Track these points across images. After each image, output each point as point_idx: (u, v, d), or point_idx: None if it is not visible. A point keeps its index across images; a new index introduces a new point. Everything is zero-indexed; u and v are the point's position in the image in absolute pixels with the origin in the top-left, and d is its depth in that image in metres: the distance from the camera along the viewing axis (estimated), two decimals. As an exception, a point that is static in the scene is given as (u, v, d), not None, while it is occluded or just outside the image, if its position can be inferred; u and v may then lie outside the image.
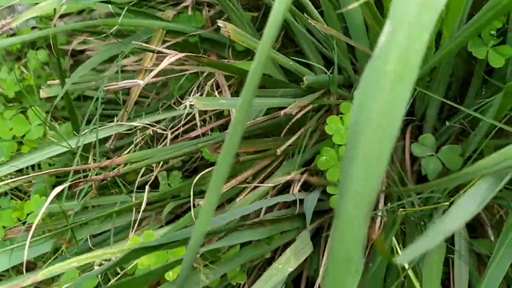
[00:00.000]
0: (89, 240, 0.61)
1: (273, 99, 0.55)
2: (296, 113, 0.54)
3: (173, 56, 0.44)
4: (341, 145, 0.62)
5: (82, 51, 1.05)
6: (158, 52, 0.57)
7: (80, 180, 0.56)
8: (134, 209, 0.66)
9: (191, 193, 0.57)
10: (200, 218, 0.34)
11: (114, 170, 0.52)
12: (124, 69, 0.84)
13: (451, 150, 0.67)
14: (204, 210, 0.34)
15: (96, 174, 0.63)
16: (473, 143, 0.65)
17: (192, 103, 0.47)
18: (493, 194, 0.31)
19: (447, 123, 0.71)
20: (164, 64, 0.44)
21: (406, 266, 0.54)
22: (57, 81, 0.74)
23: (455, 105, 0.56)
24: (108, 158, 0.83)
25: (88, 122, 0.81)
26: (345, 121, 0.57)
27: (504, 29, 0.64)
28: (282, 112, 0.52)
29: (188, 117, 0.72)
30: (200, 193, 0.77)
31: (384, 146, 0.22)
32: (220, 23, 0.45)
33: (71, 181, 0.56)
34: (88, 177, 0.56)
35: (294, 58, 0.62)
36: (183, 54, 0.45)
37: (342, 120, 0.57)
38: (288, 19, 0.60)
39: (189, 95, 0.75)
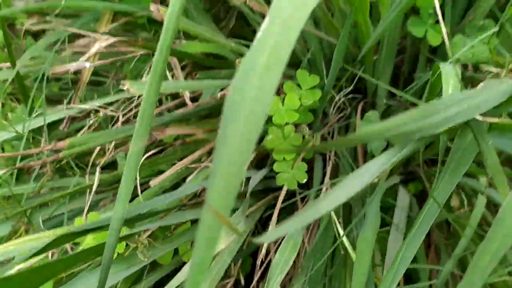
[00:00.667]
0: (41, 222, 0.62)
1: (214, 81, 0.56)
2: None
3: (104, 41, 0.45)
4: (287, 123, 0.63)
5: (44, 31, 1.04)
6: (101, 35, 0.58)
7: (22, 165, 0.57)
8: (87, 191, 0.68)
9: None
10: (117, 202, 0.36)
11: (54, 155, 0.53)
12: (80, 50, 0.84)
13: (396, 126, 0.69)
14: (120, 195, 0.36)
15: (48, 157, 0.64)
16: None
17: (125, 88, 0.48)
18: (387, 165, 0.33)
19: (392, 102, 0.73)
20: (94, 49, 0.45)
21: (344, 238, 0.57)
22: (8, 64, 0.74)
23: (390, 88, 0.57)
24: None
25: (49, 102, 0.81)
26: (286, 102, 0.58)
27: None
28: (219, 94, 0.53)
29: (140, 98, 0.73)
30: (158, 173, 0.78)
31: (252, 130, 0.23)
32: (152, 7, 0.46)
33: (16, 167, 0.57)
34: (36, 161, 0.57)
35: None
36: (115, 39, 0.46)
37: (282, 101, 0.58)
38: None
39: (142, 76, 0.75)
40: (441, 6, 0.64)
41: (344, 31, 0.52)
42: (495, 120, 0.39)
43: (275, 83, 0.24)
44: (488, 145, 0.40)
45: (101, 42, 0.46)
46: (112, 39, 0.46)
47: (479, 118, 0.37)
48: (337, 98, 0.71)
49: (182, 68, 0.79)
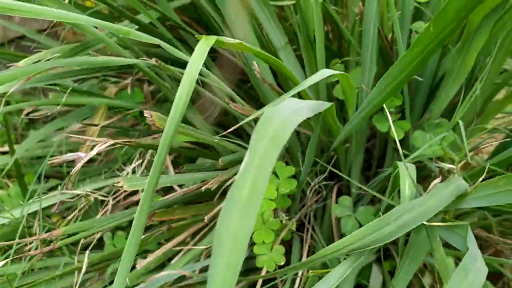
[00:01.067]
0: (30, 304, 0.65)
1: (199, 174, 0.62)
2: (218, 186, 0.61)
3: (103, 144, 0.51)
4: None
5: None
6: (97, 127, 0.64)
7: (18, 256, 0.61)
8: (76, 272, 0.71)
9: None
10: None
11: (50, 245, 0.57)
12: (72, 134, 0.90)
13: (366, 210, 0.76)
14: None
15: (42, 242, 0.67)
16: (383, 205, 0.73)
17: (119, 185, 0.53)
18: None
19: (363, 188, 0.80)
20: (94, 152, 0.51)
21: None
22: (6, 148, 0.79)
23: (352, 181, 0.64)
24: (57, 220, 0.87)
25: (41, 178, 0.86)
26: (266, 191, 0.64)
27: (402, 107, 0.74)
28: (203, 187, 0.59)
29: (130, 183, 0.78)
30: (143, 252, 0.82)
31: (237, 253, 0.29)
32: (146, 113, 0.52)
33: (13, 258, 0.61)
34: (27, 250, 0.61)
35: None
36: (113, 141, 0.52)
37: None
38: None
39: (132, 162, 0.81)
40: (402, 105, 0.73)
41: (314, 138, 0.60)
42: (439, 224, 0.45)
43: (255, 213, 0.30)
44: (437, 242, 0.46)
45: (100, 146, 0.51)
46: (110, 141, 0.52)
47: (426, 223, 0.44)
48: (312, 183, 0.78)
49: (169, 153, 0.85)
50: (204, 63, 0.77)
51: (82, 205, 0.77)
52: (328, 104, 0.49)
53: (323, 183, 0.79)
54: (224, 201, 0.31)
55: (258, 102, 0.87)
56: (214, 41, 0.39)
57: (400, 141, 0.78)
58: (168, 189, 0.81)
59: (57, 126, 0.75)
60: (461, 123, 0.54)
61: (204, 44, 0.38)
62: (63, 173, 0.92)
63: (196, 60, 0.37)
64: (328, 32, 0.91)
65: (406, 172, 0.53)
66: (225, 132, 0.56)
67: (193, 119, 0.80)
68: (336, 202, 0.79)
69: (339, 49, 0.89)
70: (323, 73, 0.47)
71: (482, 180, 0.52)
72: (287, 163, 0.83)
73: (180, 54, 0.53)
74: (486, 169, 0.56)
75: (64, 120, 0.74)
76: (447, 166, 0.62)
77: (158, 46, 0.54)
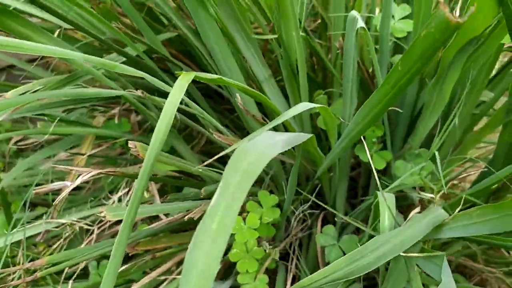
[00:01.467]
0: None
1: (184, 203, 0.63)
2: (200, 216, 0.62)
3: (87, 174, 0.52)
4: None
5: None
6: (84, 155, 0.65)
7: (0, 286, 0.61)
8: (59, 302, 0.71)
9: None
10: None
11: (33, 275, 0.57)
12: (60, 162, 0.91)
13: (350, 239, 0.76)
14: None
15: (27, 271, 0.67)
16: (366, 235, 0.74)
17: (102, 214, 0.54)
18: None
19: (347, 218, 0.81)
20: (77, 182, 0.52)
21: None
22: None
23: (336, 212, 0.65)
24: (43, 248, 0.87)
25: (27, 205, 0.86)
26: (247, 221, 0.65)
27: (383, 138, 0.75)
28: (186, 217, 0.60)
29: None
30: (128, 282, 0.82)
31: (206, 283, 0.30)
32: (130, 144, 0.54)
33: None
34: (10, 280, 0.61)
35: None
36: (97, 171, 0.52)
37: (244, 221, 0.65)
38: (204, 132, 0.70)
39: (118, 191, 0.81)
40: (383, 136, 0.74)
41: (295, 168, 0.61)
42: (415, 255, 0.46)
43: (223, 246, 0.30)
44: (414, 272, 0.47)
45: (83, 176, 0.52)
46: (94, 171, 0.53)
47: (403, 254, 0.45)
48: (297, 213, 0.78)
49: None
50: (191, 95, 0.79)
51: (67, 234, 0.77)
52: (306, 137, 0.50)
53: (308, 211, 0.80)
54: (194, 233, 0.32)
55: (245, 131, 0.88)
56: (193, 76, 0.40)
57: (383, 170, 0.80)
58: (155, 217, 0.82)
59: (45, 154, 0.76)
60: (437, 154, 0.56)
61: (183, 80, 0.39)
62: (49, 201, 0.92)
63: (174, 96, 0.38)
64: (313, 63, 0.94)
65: (385, 203, 0.54)
66: (208, 161, 0.57)
67: (180, 148, 0.81)
68: (322, 231, 0.80)
69: (324, 79, 0.91)
70: (303, 106, 0.49)
71: (460, 210, 0.53)
72: (272, 192, 0.84)
73: (164, 86, 0.55)
74: (463, 200, 0.57)
75: (51, 149, 0.75)
76: (427, 195, 0.63)
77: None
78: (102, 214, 0.54)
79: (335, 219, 0.83)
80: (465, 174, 0.72)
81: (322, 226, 0.83)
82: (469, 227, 0.47)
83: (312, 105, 0.53)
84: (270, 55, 0.85)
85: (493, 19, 0.47)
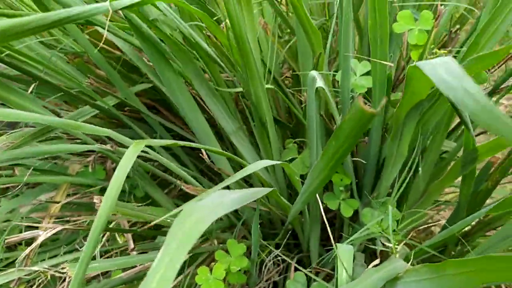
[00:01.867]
0: None
1: (150, 255, 0.64)
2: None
3: (50, 231, 0.53)
4: None
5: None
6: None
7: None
8: None
9: None
10: None
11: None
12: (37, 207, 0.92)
13: (319, 286, 0.77)
14: None
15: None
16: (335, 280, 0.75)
17: (65, 271, 0.55)
18: None
19: (314, 265, 0.82)
20: (42, 238, 0.53)
21: None
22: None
23: (299, 268, 0.66)
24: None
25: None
26: (213, 272, 0.66)
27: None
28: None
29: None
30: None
31: None
32: (95, 199, 0.55)
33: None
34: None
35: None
36: (61, 227, 0.54)
37: (211, 271, 0.66)
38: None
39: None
40: (351, 184, 0.76)
41: (256, 218, 0.63)
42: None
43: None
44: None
45: (47, 233, 0.54)
46: (58, 227, 0.55)
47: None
48: (269, 258, 0.79)
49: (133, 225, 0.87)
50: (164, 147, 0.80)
51: (40, 280, 0.77)
52: (263, 192, 0.52)
53: (285, 254, 0.81)
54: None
55: (221, 177, 0.90)
56: (144, 144, 0.43)
57: (351, 217, 0.81)
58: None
59: (19, 202, 0.77)
60: (390, 208, 0.57)
61: (134, 149, 0.41)
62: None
63: (124, 165, 0.40)
64: (288, 109, 0.96)
65: (343, 255, 0.55)
66: (174, 211, 0.59)
67: (154, 195, 0.82)
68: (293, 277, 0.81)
69: (296, 125, 0.94)
70: (257, 165, 0.51)
71: (424, 260, 0.54)
72: (244, 237, 0.85)
73: (129, 142, 0.57)
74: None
75: (25, 197, 0.77)
76: (389, 245, 0.64)
77: (119, 126, 0.57)
78: (63, 270, 0.55)
79: (310, 263, 0.84)
80: (433, 222, 0.73)
81: (295, 270, 0.84)
82: (417, 283, 0.48)
83: (270, 162, 0.55)
84: (242, 104, 0.87)
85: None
